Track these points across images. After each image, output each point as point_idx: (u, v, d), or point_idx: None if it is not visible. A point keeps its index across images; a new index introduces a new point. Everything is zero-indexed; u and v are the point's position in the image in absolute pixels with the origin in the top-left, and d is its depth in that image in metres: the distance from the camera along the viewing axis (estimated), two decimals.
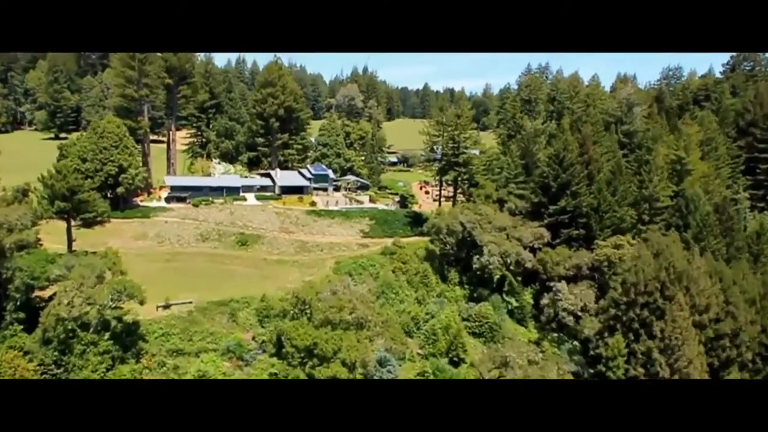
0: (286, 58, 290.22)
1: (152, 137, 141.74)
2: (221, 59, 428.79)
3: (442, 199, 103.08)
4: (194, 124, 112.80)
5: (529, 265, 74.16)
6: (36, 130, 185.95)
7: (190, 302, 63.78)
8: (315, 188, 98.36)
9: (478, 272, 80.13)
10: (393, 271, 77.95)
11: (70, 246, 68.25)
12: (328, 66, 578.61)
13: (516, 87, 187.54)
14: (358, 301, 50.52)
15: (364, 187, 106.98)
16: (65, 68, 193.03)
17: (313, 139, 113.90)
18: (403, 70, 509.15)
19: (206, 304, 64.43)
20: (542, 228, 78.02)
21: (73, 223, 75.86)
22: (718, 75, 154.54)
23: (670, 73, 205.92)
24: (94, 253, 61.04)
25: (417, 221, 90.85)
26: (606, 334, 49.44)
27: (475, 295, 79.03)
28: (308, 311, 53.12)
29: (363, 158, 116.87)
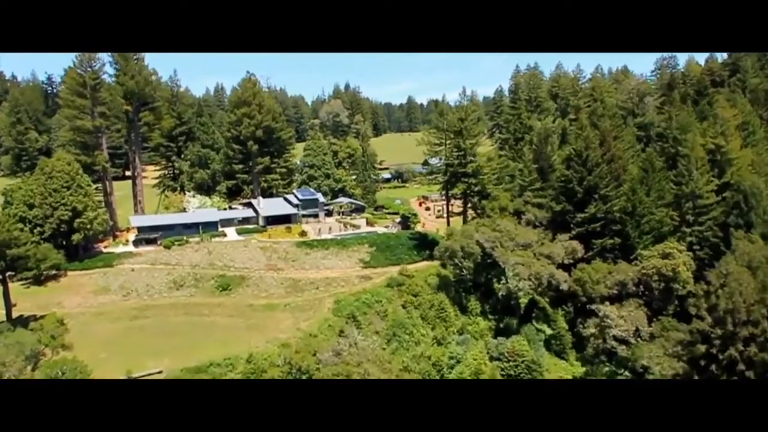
0: (263, 80, 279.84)
1: (127, 173, 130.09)
2: (199, 88, 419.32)
3: (447, 215, 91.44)
4: (164, 155, 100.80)
5: (564, 286, 62.53)
6: (4, 175, 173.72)
7: (160, 372, 51.40)
8: (304, 215, 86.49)
9: (503, 298, 68.56)
10: (403, 306, 66.04)
11: (9, 313, 55.83)
12: (310, 87, 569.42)
13: (507, 90, 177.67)
14: (370, 362, 38.67)
15: (359, 210, 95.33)
16: (30, 108, 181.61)
17: (298, 161, 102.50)
18: (383, 88, 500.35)
19: (180, 371, 51.98)
20: (574, 241, 66.67)
21: (19, 282, 63.89)
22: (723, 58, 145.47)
23: (665, 62, 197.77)
24: (26, 322, 48.57)
25: (423, 243, 79.18)
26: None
27: (501, 326, 67.30)
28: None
29: (354, 177, 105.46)
